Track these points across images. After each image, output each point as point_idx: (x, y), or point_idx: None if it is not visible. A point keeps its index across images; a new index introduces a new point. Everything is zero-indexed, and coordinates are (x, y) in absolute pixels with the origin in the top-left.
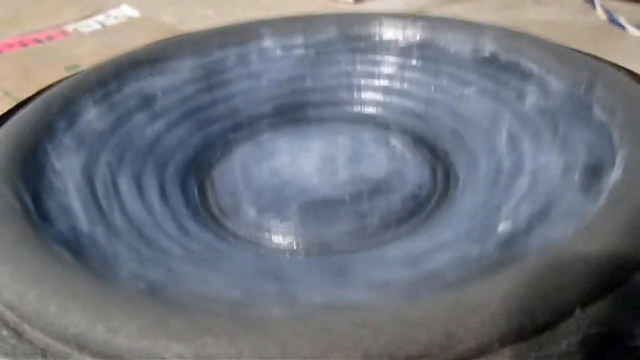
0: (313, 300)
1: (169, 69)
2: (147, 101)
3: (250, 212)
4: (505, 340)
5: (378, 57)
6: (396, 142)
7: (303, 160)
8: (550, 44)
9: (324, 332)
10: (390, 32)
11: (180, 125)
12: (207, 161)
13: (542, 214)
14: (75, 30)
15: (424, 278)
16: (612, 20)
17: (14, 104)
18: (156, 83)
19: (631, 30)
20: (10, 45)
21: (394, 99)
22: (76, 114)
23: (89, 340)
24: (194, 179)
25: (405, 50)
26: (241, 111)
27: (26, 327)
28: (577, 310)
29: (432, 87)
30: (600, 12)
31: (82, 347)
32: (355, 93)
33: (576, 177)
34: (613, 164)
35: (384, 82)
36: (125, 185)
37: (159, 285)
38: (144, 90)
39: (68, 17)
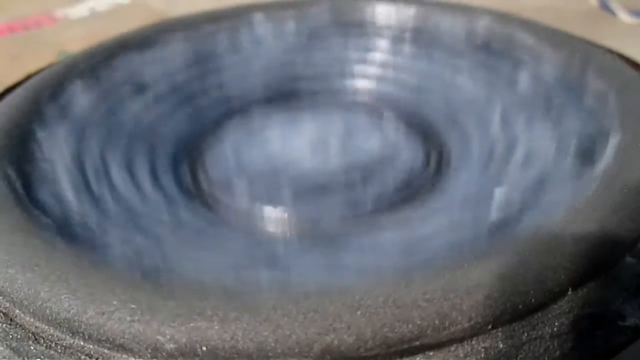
0: (306, 282)
1: (159, 52)
2: (137, 85)
3: (243, 195)
4: (498, 321)
5: (371, 40)
6: (389, 117)
7: (295, 141)
8: (544, 27)
9: (318, 315)
10: (383, 15)
11: (170, 101)
12: (199, 143)
13: (534, 196)
14: (64, 16)
15: (417, 257)
16: (604, 6)
17: (2, 89)
18: (147, 66)
19: (623, 16)
20: None
21: (387, 76)
22: (65, 97)
23: (80, 324)
24: (185, 160)
25: (398, 34)
26: (232, 87)
27: (17, 311)
28: (569, 292)
29: (425, 71)
30: None
31: (74, 331)
32: (347, 75)
33: (570, 154)
34: (605, 146)
35: (376, 66)
36: (116, 167)
37: (151, 268)
38: (134, 74)
39: (57, 3)
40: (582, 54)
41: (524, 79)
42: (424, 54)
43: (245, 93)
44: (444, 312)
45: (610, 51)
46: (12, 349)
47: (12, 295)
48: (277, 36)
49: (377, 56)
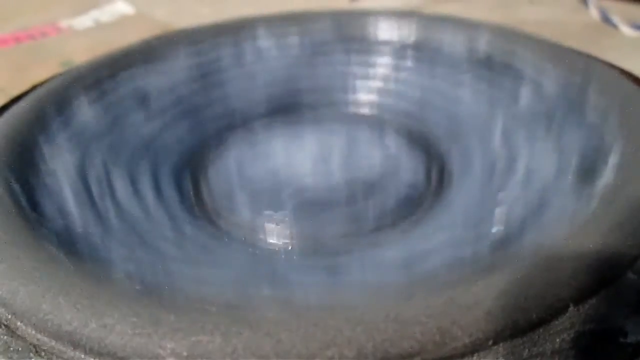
0: (307, 298)
1: (163, 65)
2: (141, 97)
3: (245, 210)
4: (499, 337)
5: (373, 55)
6: (390, 140)
7: (298, 158)
8: (545, 42)
9: (318, 330)
10: (385, 29)
11: (175, 123)
12: (202, 159)
13: (535, 212)
14: (69, 26)
15: (418, 276)
16: (606, 19)
17: (7, 100)
18: (150, 79)
19: (624, 29)
20: (4, 41)
21: (389, 97)
22: (70, 109)
23: (82, 337)
24: (188, 176)
25: (400, 48)
26: (235, 104)
27: (19, 324)
28: (571, 308)
29: (427, 86)
30: (593, 11)
31: (75, 344)
32: (349, 90)
33: (569, 175)
34: (606, 162)
35: (378, 80)
36: (119, 181)
37: (153, 282)
38: (138, 86)
39: (62, 13)
40: (583, 69)
41: (524, 95)
42: (426, 68)
43: (247, 107)
44: (445, 328)
45: (612, 65)
46: None
47: (14, 307)
48: (280, 50)
49: (379, 71)
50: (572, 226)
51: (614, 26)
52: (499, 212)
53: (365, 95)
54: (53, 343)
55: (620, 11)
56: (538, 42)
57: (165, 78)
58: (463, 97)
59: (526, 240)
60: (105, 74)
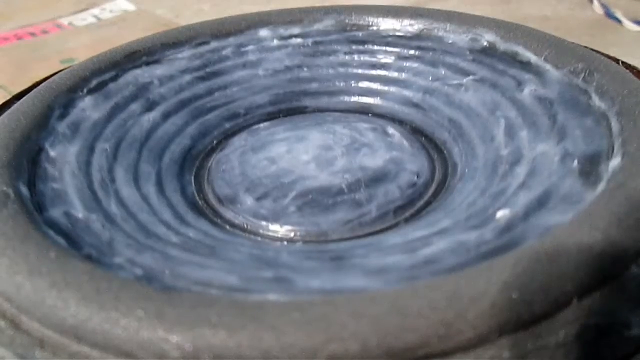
0: (311, 289)
1: (165, 59)
2: (143, 91)
3: (247, 200)
4: (503, 330)
5: (376, 54)
6: (394, 131)
7: (300, 149)
8: (548, 36)
9: (323, 323)
10: (388, 29)
11: (177, 115)
12: (204, 150)
13: (540, 203)
14: (70, 23)
15: (421, 267)
16: (609, 15)
17: (8, 97)
18: (153, 73)
19: (627, 24)
20: (5, 39)
21: (392, 89)
22: (72, 104)
23: (86, 331)
24: (190, 167)
25: (403, 47)
26: (238, 101)
27: (24, 318)
28: (575, 301)
29: (430, 77)
30: (597, 7)
31: (79, 338)
32: (352, 83)
33: (574, 166)
34: (611, 153)
35: (381, 79)
36: (122, 175)
37: (156, 275)
38: (140, 80)
39: (63, 11)
40: (586, 64)
41: (527, 88)
42: (429, 68)
43: (250, 99)
44: (449, 321)
45: (615, 59)
46: (18, 355)
47: (18, 302)
48: (282, 45)
49: (382, 71)
50: (577, 218)
51: (617, 21)
52: (503, 202)
53: (369, 95)
54: (58, 337)
55: (624, 7)
56: (541, 36)
57: (168, 71)
58: (466, 89)
59: (530, 230)
60: (108, 69)
